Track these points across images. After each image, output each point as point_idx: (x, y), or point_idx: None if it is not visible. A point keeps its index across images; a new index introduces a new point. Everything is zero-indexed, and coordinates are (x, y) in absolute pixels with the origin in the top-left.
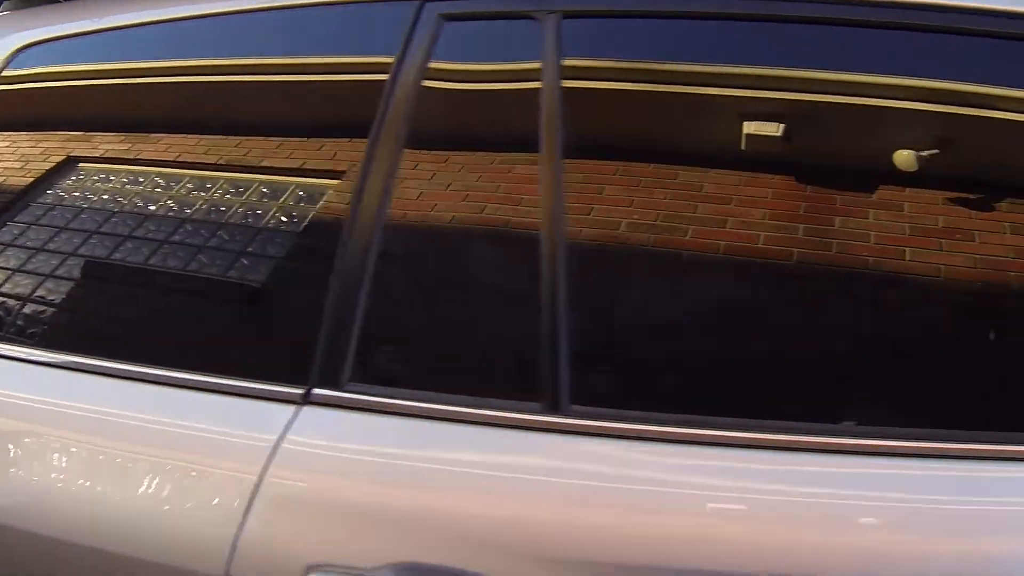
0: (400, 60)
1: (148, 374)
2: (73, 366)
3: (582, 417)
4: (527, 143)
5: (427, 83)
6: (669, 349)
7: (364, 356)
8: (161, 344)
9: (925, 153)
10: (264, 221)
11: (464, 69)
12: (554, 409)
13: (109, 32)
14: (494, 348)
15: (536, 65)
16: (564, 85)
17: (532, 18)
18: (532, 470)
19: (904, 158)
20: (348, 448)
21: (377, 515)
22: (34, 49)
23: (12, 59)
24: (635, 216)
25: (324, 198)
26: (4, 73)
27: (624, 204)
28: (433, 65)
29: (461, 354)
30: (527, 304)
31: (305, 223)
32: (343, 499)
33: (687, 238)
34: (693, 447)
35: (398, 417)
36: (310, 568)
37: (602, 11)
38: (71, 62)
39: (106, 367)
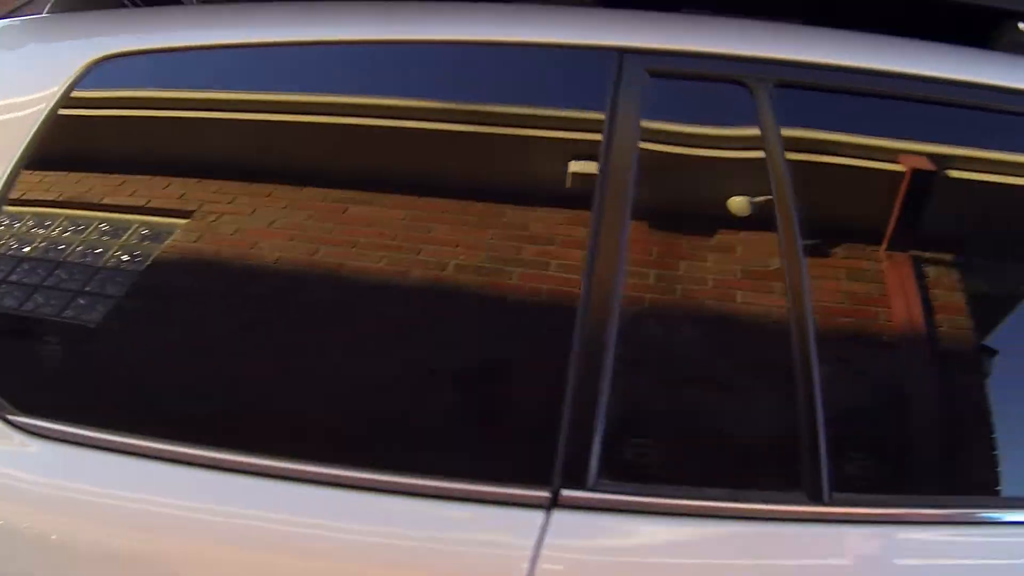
0: (612, 118)
1: (362, 480)
2: (267, 471)
3: (845, 504)
4: (763, 219)
5: (646, 145)
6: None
7: (611, 451)
8: (367, 443)
9: (759, 199)
10: (472, 301)
11: (682, 131)
12: (817, 498)
13: (223, 49)
14: (751, 436)
15: (756, 132)
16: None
17: (743, 84)
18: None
19: (738, 204)
20: (611, 556)
21: None
22: (113, 64)
23: (86, 75)
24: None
25: (544, 272)
26: (75, 93)
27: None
28: (650, 126)
29: (714, 443)
30: (782, 390)
31: (529, 303)
32: None
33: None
34: None
35: (656, 517)
36: None
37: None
38: (165, 84)
39: (312, 473)
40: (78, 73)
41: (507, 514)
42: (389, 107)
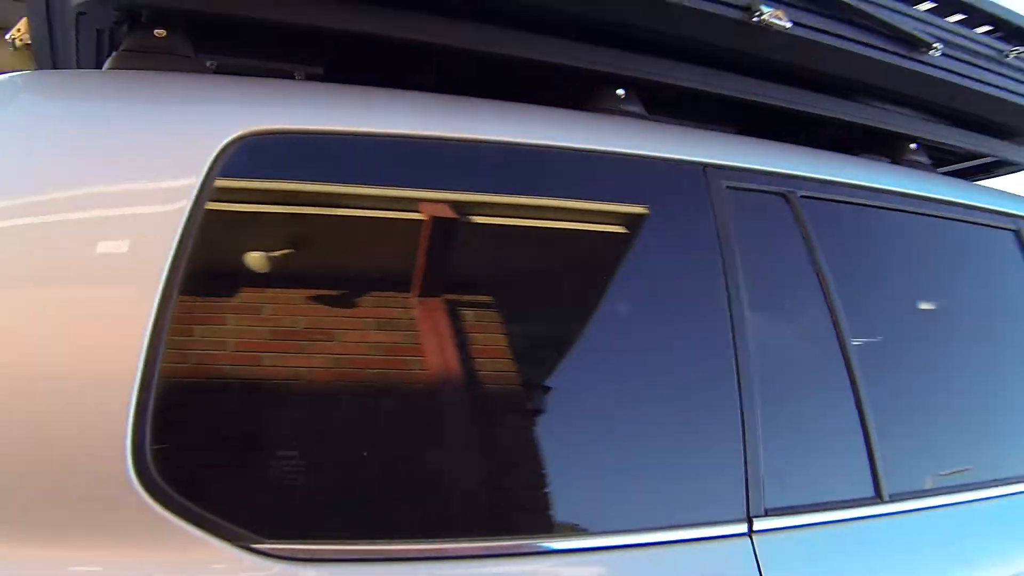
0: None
1: None
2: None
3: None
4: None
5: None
6: None
7: None
8: None
9: (276, 253)
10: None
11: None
12: None
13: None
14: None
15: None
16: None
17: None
18: None
19: (256, 259)
20: None
21: None
22: (255, 143)
23: (225, 159)
24: None
25: None
26: (218, 183)
27: None
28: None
29: None
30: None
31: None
32: None
33: None
34: None
35: None
36: None
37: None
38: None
39: None
40: (216, 156)
41: None
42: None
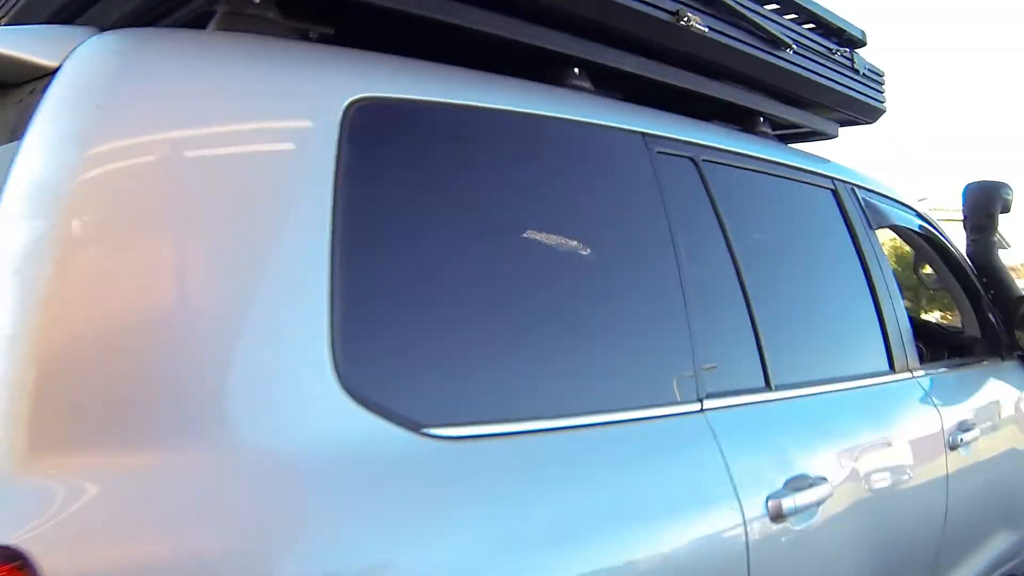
0: (659, 185)
1: None
2: None
3: None
4: None
5: None
6: None
7: None
8: None
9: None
10: None
11: None
12: None
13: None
14: None
15: None
16: None
17: None
18: None
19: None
20: None
21: None
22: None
23: (350, 122)
24: None
25: None
26: (346, 143)
27: None
28: None
29: None
30: None
31: None
32: None
33: None
34: None
35: None
36: None
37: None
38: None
39: None
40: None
41: None
42: None
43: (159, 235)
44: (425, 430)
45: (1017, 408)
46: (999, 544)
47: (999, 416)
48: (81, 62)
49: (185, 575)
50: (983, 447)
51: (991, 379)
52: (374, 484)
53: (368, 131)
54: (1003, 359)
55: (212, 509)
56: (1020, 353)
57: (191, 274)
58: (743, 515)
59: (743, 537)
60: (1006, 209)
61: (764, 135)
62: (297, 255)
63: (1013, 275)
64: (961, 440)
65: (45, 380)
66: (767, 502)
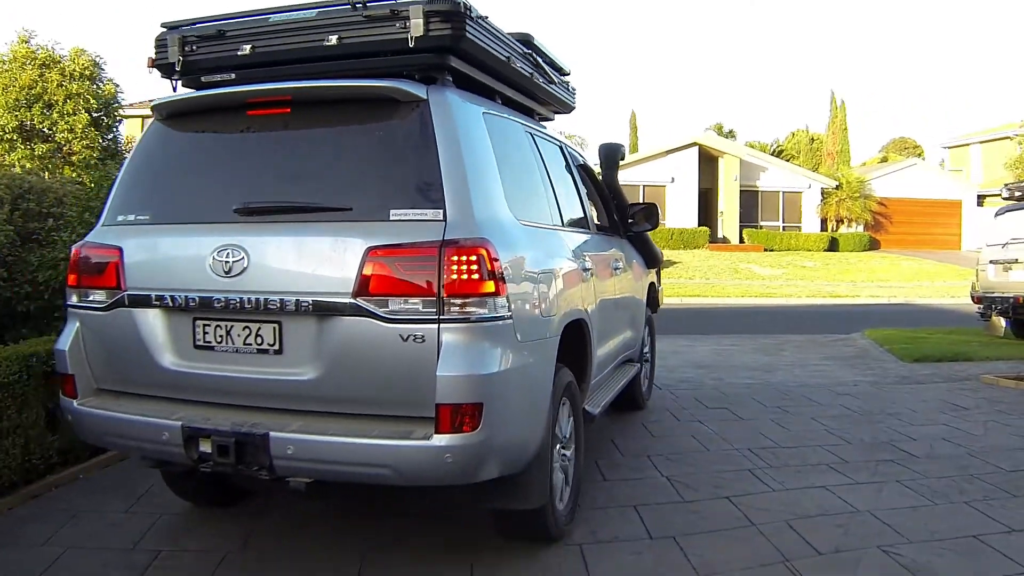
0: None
1: None
2: None
3: None
4: None
5: None
6: None
7: None
8: None
9: None
10: None
11: None
12: None
13: None
14: None
15: None
16: None
17: None
18: None
19: None
20: None
21: None
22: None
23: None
24: None
25: None
26: None
27: None
28: None
29: None
30: None
31: None
32: None
33: None
34: None
35: None
36: None
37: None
38: None
39: None
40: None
41: None
42: None
43: None
44: None
45: (626, 258)
46: (626, 335)
47: (624, 260)
48: (439, 93)
49: None
50: (621, 276)
51: (622, 244)
52: None
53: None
54: (621, 237)
55: None
56: (628, 235)
57: None
58: None
59: None
60: (621, 157)
61: (543, 118)
62: None
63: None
64: (617, 268)
65: None
66: None
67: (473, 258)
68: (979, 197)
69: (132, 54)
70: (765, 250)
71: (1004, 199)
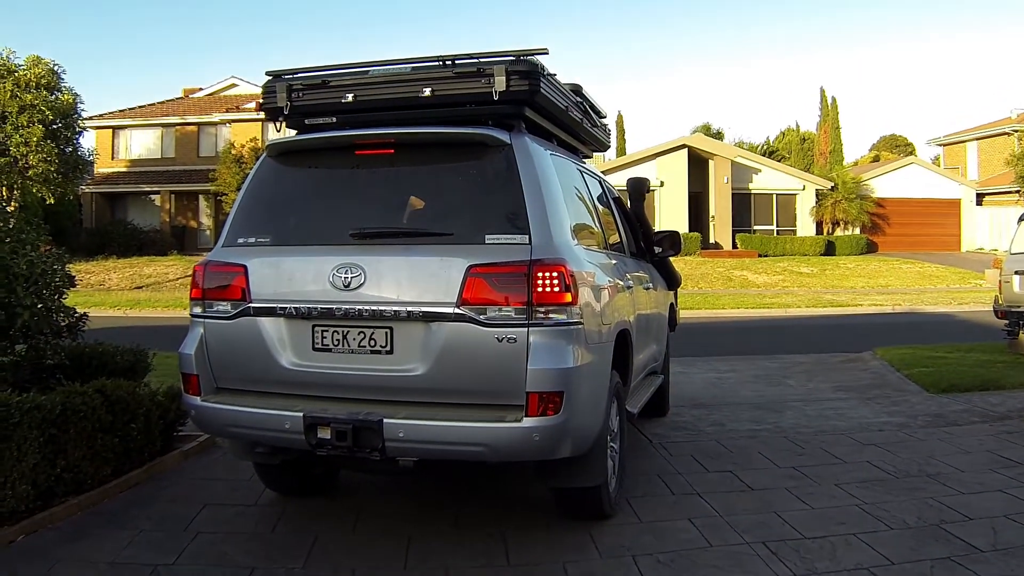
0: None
1: None
2: None
3: None
4: None
5: None
6: None
7: None
8: None
9: None
10: None
11: None
12: None
13: None
14: None
15: None
16: None
17: None
18: None
19: None
20: None
21: None
22: None
23: None
24: None
25: None
26: None
27: None
28: None
29: None
30: None
31: None
32: None
33: None
34: None
35: None
36: None
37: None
38: None
39: None
40: None
41: None
42: None
43: None
44: None
45: (652, 280)
46: (652, 348)
47: (652, 282)
48: (519, 139)
49: None
50: (651, 295)
51: (649, 267)
52: None
53: None
54: (648, 261)
55: None
56: (652, 259)
57: None
58: None
59: None
60: (647, 190)
61: (585, 156)
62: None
63: None
64: (648, 287)
65: None
66: None
67: (555, 274)
68: (978, 196)
69: (97, 60)
70: (759, 256)
71: None
